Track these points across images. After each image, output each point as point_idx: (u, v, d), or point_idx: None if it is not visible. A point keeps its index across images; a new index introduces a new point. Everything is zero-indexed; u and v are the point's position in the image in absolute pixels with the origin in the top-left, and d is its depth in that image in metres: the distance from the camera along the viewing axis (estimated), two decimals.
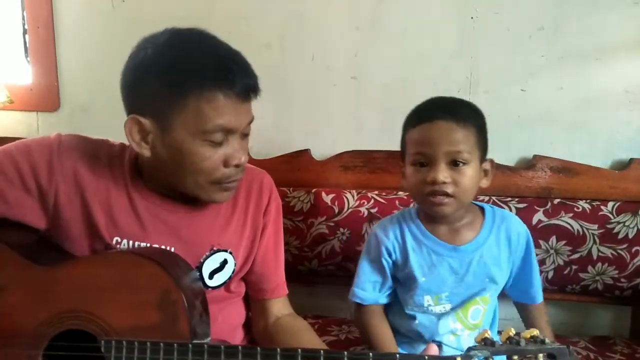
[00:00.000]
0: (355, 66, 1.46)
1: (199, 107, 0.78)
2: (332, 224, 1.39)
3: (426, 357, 0.68)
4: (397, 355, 0.67)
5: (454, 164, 0.95)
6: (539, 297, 1.10)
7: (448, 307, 1.04)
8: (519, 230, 1.06)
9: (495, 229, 1.04)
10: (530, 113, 1.40)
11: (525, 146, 1.41)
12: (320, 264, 1.43)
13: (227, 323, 0.98)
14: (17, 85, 1.64)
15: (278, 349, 0.68)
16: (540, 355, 0.64)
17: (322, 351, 0.68)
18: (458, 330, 1.05)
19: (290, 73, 1.50)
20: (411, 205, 1.24)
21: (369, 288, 1.08)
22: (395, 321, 1.11)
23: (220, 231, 0.93)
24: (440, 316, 1.05)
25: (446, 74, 1.42)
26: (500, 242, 1.04)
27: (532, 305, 1.11)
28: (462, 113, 0.97)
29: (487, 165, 1.02)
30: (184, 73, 0.78)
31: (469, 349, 0.66)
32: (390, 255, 1.06)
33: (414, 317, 1.06)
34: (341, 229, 1.39)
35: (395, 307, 1.11)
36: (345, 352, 0.68)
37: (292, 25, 1.47)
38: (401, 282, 1.08)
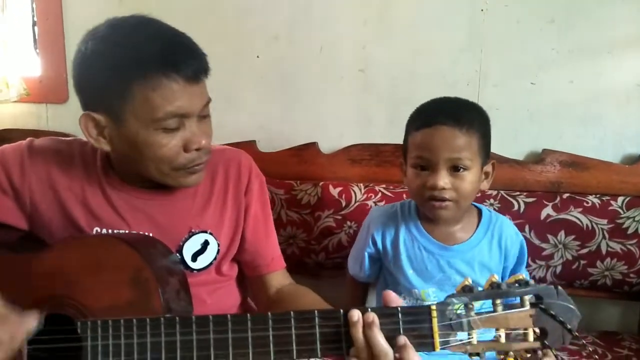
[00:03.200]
0: (363, 59, 1.45)
1: (146, 95, 0.77)
2: (339, 217, 1.39)
3: (399, 309, 0.64)
4: (369, 309, 0.64)
5: (455, 169, 0.95)
6: None
7: None
8: (513, 238, 1.07)
9: (489, 234, 1.05)
10: (540, 107, 1.38)
11: (534, 140, 1.40)
12: (327, 257, 1.43)
13: (218, 306, 0.98)
14: (27, 77, 1.65)
15: (248, 315, 0.68)
16: (526, 297, 0.61)
17: (291, 312, 0.66)
18: None
19: (297, 66, 1.49)
20: None
21: (353, 263, 1.17)
22: None
23: (199, 213, 0.94)
24: None
25: (455, 67, 1.41)
26: (493, 247, 1.05)
27: None
28: (466, 118, 0.96)
29: (488, 168, 1.02)
30: (126, 62, 0.76)
31: (447, 296, 0.63)
32: (375, 244, 1.10)
33: None
34: (348, 222, 1.39)
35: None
36: (316, 311, 0.66)
37: (300, 17, 1.47)
38: (390, 271, 1.10)
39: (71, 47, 1.60)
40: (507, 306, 0.62)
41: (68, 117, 1.63)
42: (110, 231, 0.90)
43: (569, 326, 0.60)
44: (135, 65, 0.76)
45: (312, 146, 1.48)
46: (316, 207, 1.40)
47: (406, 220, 1.08)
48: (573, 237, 1.30)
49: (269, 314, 0.68)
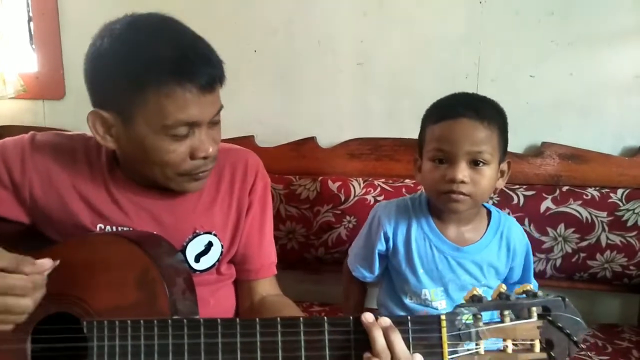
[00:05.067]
0: (362, 52, 1.45)
1: (159, 102, 0.76)
2: (338, 212, 1.39)
3: (409, 318, 0.65)
4: (379, 317, 0.66)
5: (474, 163, 0.93)
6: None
7: (444, 303, 1.05)
8: (521, 239, 1.06)
9: (498, 235, 1.04)
10: (539, 99, 1.38)
11: (533, 133, 1.39)
12: (326, 252, 1.43)
13: (220, 306, 0.98)
14: (23, 73, 1.64)
15: (257, 319, 0.68)
16: (534, 309, 0.62)
17: (301, 318, 0.68)
18: None
19: (296, 59, 1.48)
20: (421, 190, 1.23)
21: (361, 264, 1.12)
22: (395, 313, 1.10)
23: (203, 214, 0.93)
24: (439, 311, 1.05)
25: (454, 60, 1.40)
26: (501, 249, 1.04)
27: None
28: (487, 112, 0.94)
29: (504, 167, 1.00)
30: (142, 66, 0.75)
31: (457, 306, 0.64)
32: (387, 240, 1.06)
33: (414, 311, 1.06)
34: (347, 217, 1.38)
35: (395, 299, 1.10)
36: (325, 318, 0.67)
37: (298, 10, 1.46)
38: (399, 270, 1.07)
39: (67, 43, 1.61)
40: (515, 317, 0.62)
41: (65, 113, 1.63)
42: (114, 229, 0.88)
43: (575, 338, 0.61)
44: (150, 70, 0.75)
45: (310, 141, 1.47)
46: (315, 202, 1.40)
47: (417, 215, 1.05)
48: (573, 230, 1.30)
49: (278, 318, 0.68)
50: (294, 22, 1.47)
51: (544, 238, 1.31)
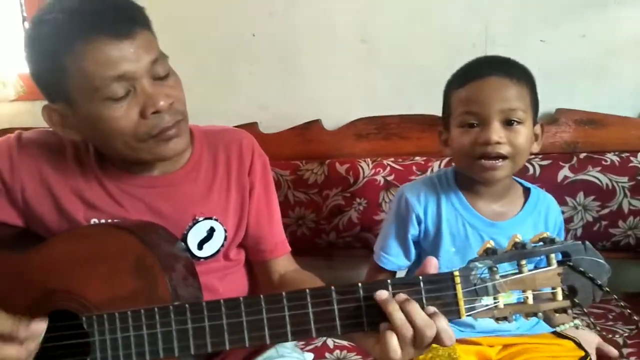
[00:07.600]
0: (364, 29, 1.40)
1: (79, 67, 0.73)
2: (348, 194, 1.36)
3: (421, 278, 0.62)
4: (389, 281, 0.63)
5: (508, 123, 0.88)
6: None
7: None
8: (557, 220, 1.01)
9: (536, 213, 0.99)
10: (551, 65, 1.32)
11: (547, 100, 1.31)
12: (338, 236, 1.40)
13: (230, 292, 0.95)
14: (21, 74, 1.62)
15: (261, 296, 0.66)
16: (552, 255, 0.58)
17: (307, 290, 0.65)
18: None
19: (295, 41, 1.45)
20: (445, 168, 1.18)
21: (394, 253, 1.04)
22: None
23: (202, 199, 0.90)
24: None
25: (460, 29, 1.35)
26: (538, 228, 0.99)
27: None
28: (515, 69, 0.90)
29: (537, 130, 0.95)
30: (48, 40, 0.73)
31: (470, 261, 0.60)
32: (420, 222, 1.01)
33: None
34: (357, 199, 1.36)
35: None
36: (333, 287, 0.64)
37: None
38: (428, 250, 1.03)
39: None
40: (534, 266, 0.59)
41: None
42: (109, 221, 0.87)
43: (599, 282, 0.58)
44: (58, 39, 0.73)
45: (315, 124, 1.44)
46: (323, 186, 1.37)
47: (446, 191, 0.99)
48: (593, 197, 1.25)
49: (284, 293, 0.65)
50: (291, 3, 1.43)
51: (563, 208, 1.25)
